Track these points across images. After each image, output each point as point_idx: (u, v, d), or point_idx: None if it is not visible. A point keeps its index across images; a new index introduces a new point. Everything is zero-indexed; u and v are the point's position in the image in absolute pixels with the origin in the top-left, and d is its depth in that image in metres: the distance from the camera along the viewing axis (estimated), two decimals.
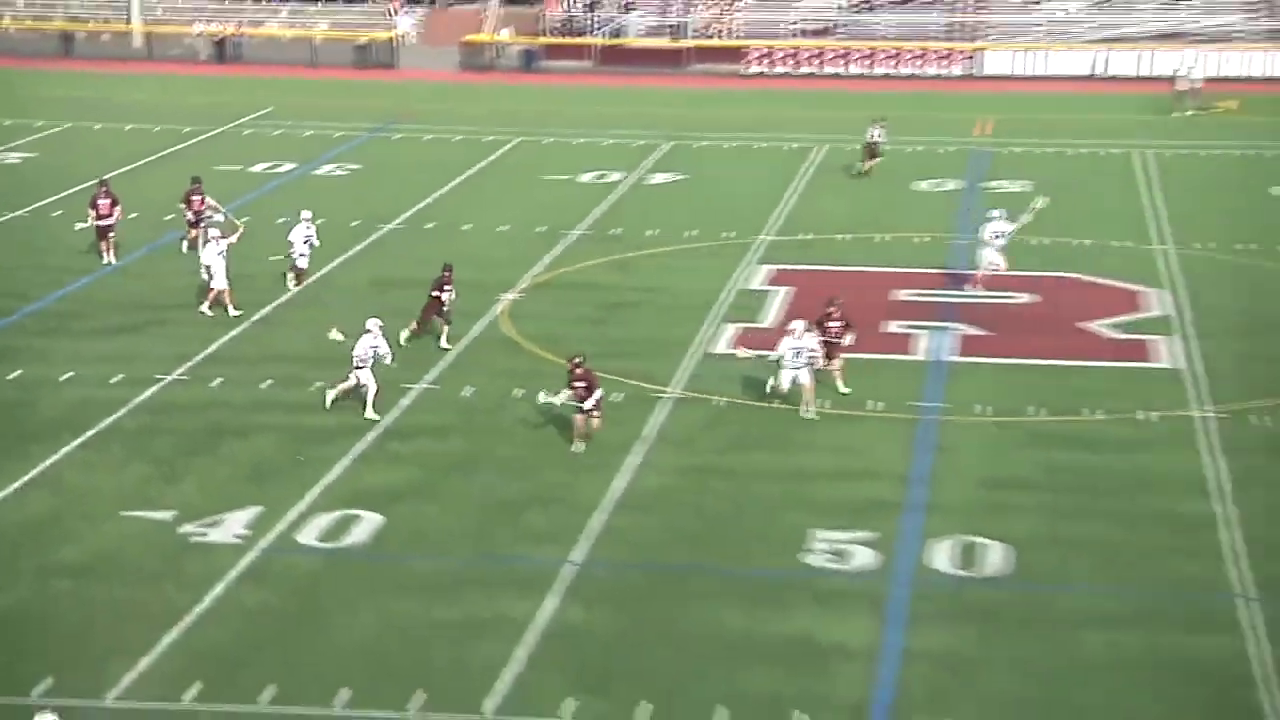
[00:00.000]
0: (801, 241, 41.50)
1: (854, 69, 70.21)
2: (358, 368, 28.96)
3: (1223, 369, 31.37)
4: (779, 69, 70.66)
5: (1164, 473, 26.67)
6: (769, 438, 28.29)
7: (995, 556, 23.69)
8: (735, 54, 71.19)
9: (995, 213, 37.04)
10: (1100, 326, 34.32)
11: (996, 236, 36.31)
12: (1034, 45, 70.36)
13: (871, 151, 48.67)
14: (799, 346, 28.79)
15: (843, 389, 29.93)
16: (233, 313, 34.67)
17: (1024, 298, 36.23)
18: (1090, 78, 68.32)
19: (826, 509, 25.25)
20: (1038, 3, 72.86)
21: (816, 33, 72.60)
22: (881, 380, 30.68)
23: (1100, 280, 37.81)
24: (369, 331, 29.13)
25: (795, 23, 73.08)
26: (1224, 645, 21.14)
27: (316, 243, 36.96)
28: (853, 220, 43.52)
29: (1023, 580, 23.05)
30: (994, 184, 47.91)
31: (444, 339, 32.63)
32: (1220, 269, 38.62)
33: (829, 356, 29.73)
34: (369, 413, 28.80)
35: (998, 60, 69.83)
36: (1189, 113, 58.86)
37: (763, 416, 29.15)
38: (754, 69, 70.75)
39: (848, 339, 30.04)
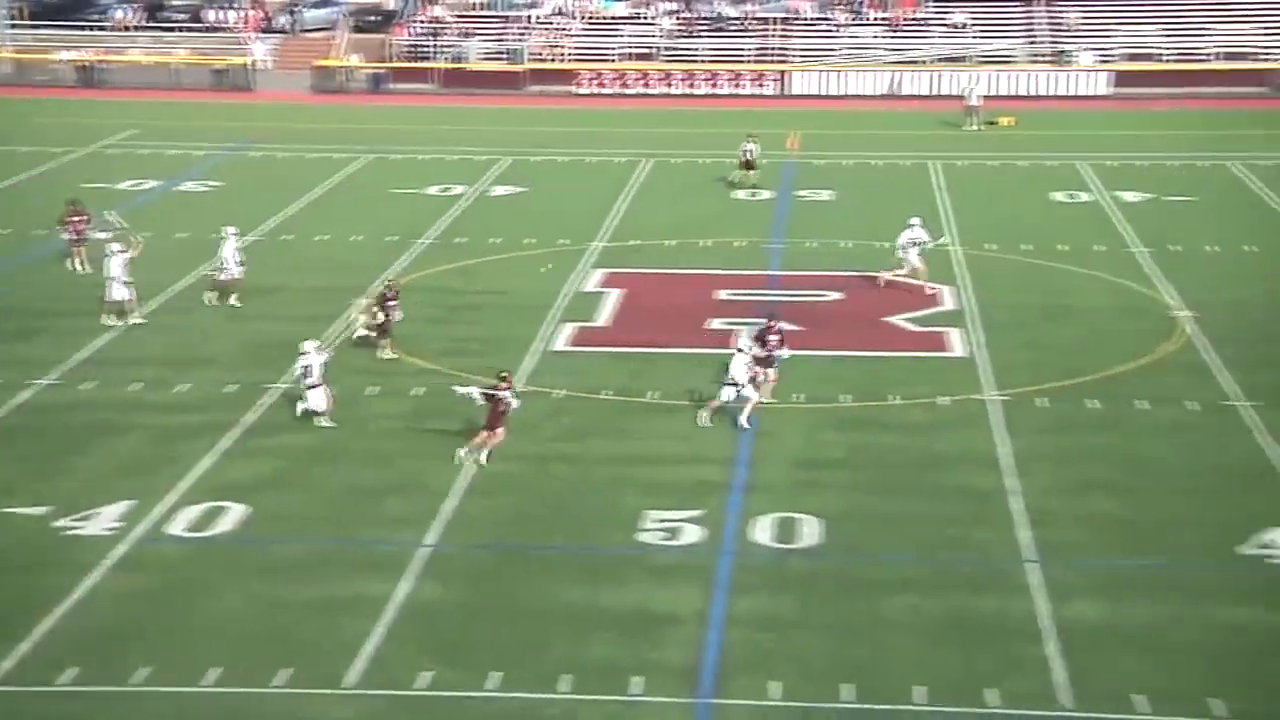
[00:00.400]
0: (631, 247, 41.63)
1: (676, 89, 70.58)
2: (310, 387, 28.14)
3: (1008, 357, 32.03)
4: (608, 89, 70.78)
5: (959, 451, 27.18)
6: (605, 427, 28.36)
7: (810, 530, 23.98)
8: (568, 76, 71.18)
9: (914, 220, 37.22)
10: (901, 320, 34.85)
11: (913, 244, 36.46)
12: (836, 67, 71.25)
13: (747, 164, 48.93)
14: (746, 362, 27.96)
15: (768, 398, 28.82)
16: (134, 320, 33.94)
17: (833, 295, 36.67)
18: (888, 96, 69.34)
19: (659, 491, 25.38)
20: (838, 29, 73.78)
21: (642, 56, 72.85)
22: (706, 373, 30.89)
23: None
24: (305, 353, 28.35)
25: (622, 47, 73.27)
26: (1013, 604, 21.61)
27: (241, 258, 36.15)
28: (678, 227, 43.74)
29: (835, 551, 23.37)
30: (803, 193, 48.44)
31: (388, 350, 31.95)
32: (1004, 267, 39.42)
33: (766, 367, 29.13)
34: (326, 421, 28.15)
35: (804, 81, 70.61)
36: (976, 128, 59.99)
37: (599, 408, 29.22)
38: (585, 89, 70.80)
39: (785, 353, 29.58)
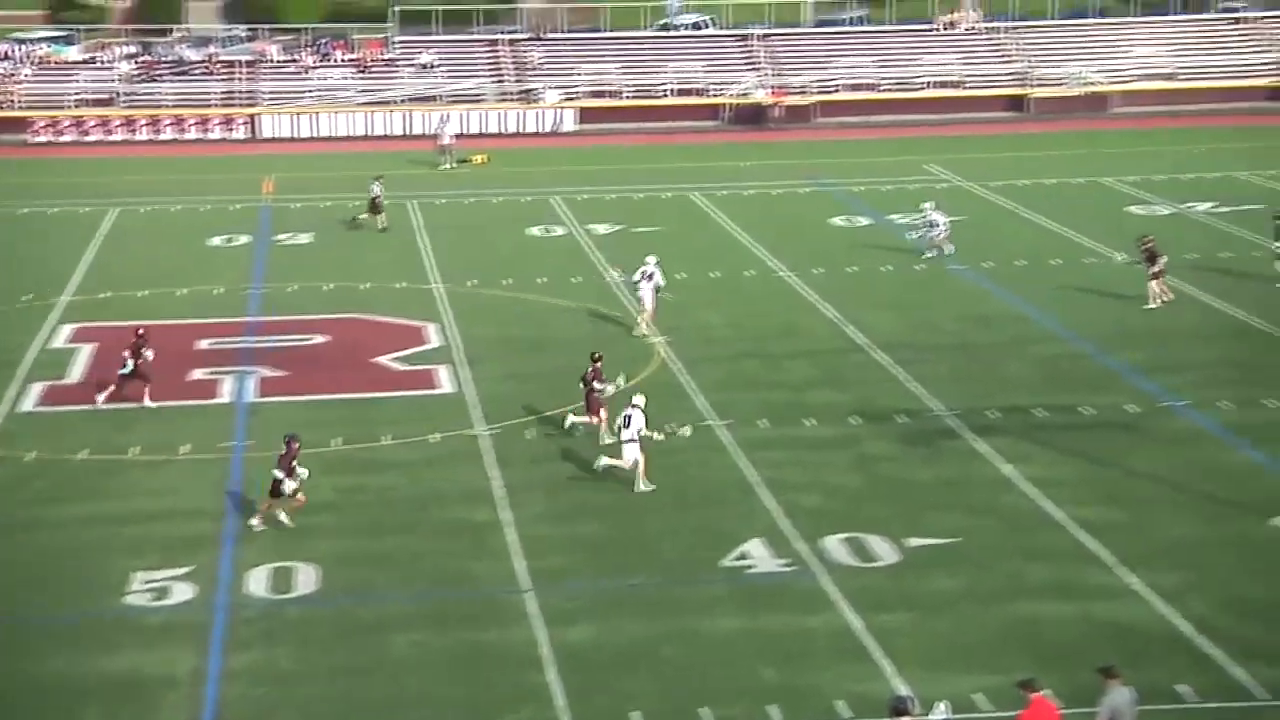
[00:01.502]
0: (101, 300, 39.93)
1: (141, 135, 68.29)
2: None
3: (496, 391, 32.52)
4: (66, 137, 67.76)
5: (452, 486, 27.36)
6: (84, 488, 27.06)
7: (306, 577, 23.60)
8: (21, 124, 67.69)
9: (650, 259, 37.02)
10: (389, 360, 34.84)
11: (646, 279, 36.16)
12: (307, 109, 70.69)
13: (374, 206, 47.92)
14: (629, 415, 26.77)
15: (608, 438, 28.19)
16: None
17: (317, 339, 36.28)
18: (363, 137, 69.33)
19: (146, 550, 24.41)
20: (306, 72, 73.26)
21: (100, 102, 70.07)
22: (191, 424, 29.96)
23: (385, 319, 38.39)
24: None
25: (79, 94, 70.26)
26: (514, 634, 21.89)
27: None
28: (151, 277, 42.29)
29: (333, 596, 23.07)
30: (282, 236, 47.79)
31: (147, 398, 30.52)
32: (487, 302, 40.06)
33: (592, 408, 28.49)
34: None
35: (276, 124, 69.72)
36: (450, 166, 60.74)
37: (76, 469, 27.85)
38: (41, 138, 67.52)
39: (609, 389, 28.95)
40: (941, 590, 22.97)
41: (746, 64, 75.87)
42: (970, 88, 74.73)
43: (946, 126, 70.46)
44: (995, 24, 78.69)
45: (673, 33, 78.71)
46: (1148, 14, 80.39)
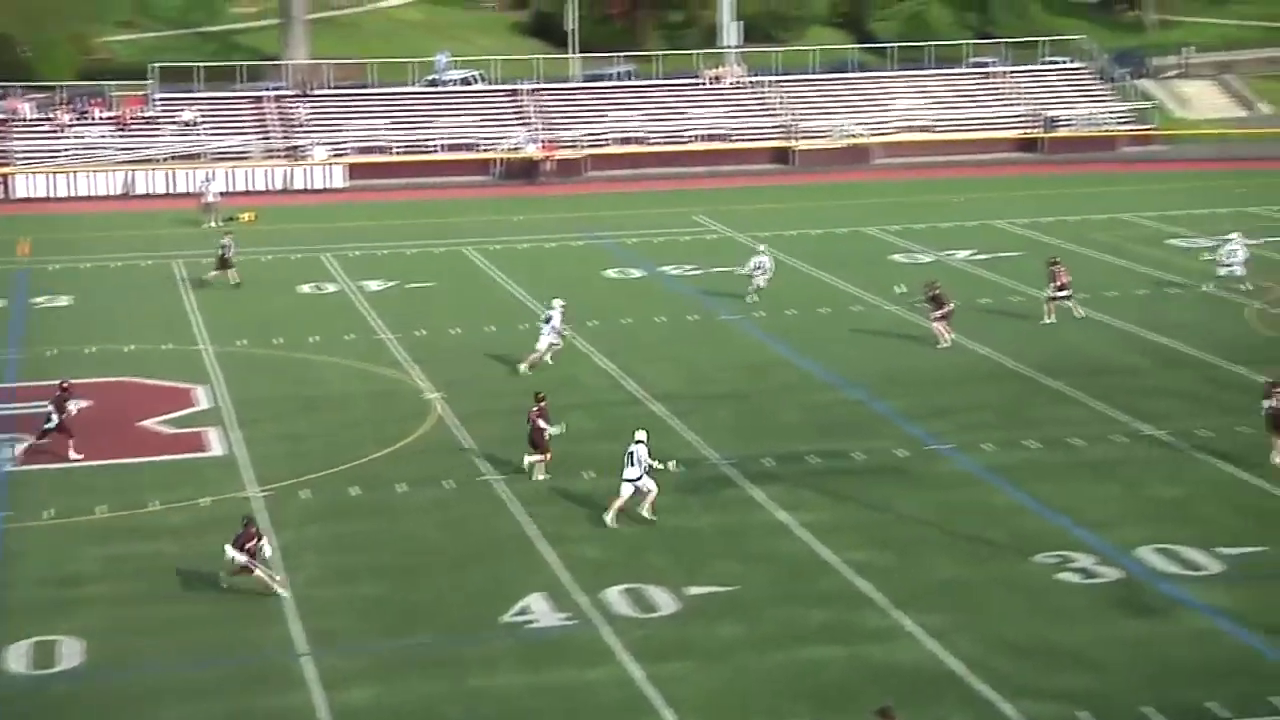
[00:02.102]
0: None
1: None
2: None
3: (268, 452, 31.97)
4: None
5: (215, 551, 26.75)
6: None
7: (71, 651, 22.84)
8: None
9: (556, 302, 38.43)
10: (157, 424, 34.01)
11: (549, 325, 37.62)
12: (63, 169, 68.90)
13: (224, 262, 47.43)
14: (633, 452, 27.53)
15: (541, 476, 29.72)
16: None
17: (80, 404, 35.23)
18: (124, 196, 67.78)
19: None
20: (62, 130, 71.40)
21: None
22: None
23: (152, 381, 37.51)
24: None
25: None
26: (292, 699, 21.48)
27: None
28: None
29: (99, 670, 22.36)
30: (39, 300, 46.41)
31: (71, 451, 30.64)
32: (258, 362, 39.42)
33: (540, 447, 29.62)
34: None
35: (30, 184, 67.81)
36: (215, 224, 59.72)
37: None
38: None
39: (554, 430, 29.80)
40: (721, 638, 23.20)
41: (517, 119, 76.23)
42: (737, 141, 76.20)
43: (715, 179, 71.68)
44: (759, 78, 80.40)
45: (441, 89, 78.74)
46: (905, 68, 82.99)
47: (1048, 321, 41.43)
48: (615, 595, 24.67)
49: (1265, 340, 39.48)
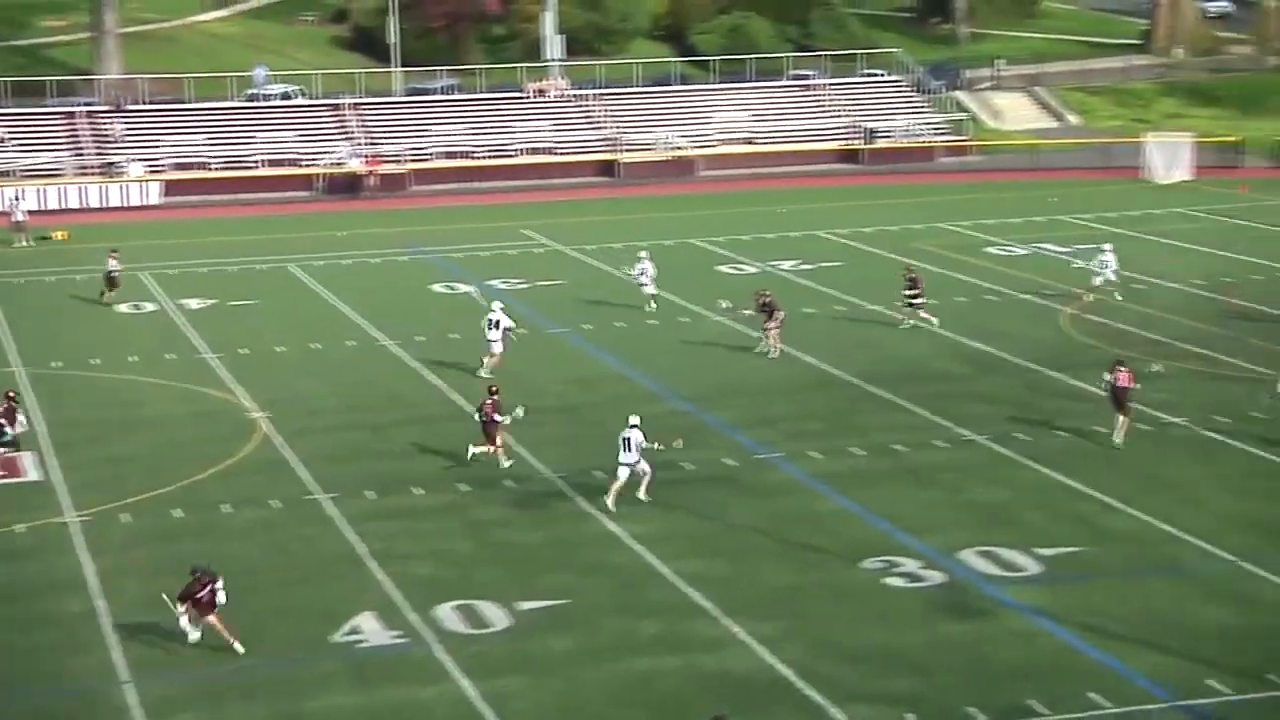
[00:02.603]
0: None
1: None
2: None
3: (86, 476, 31.26)
4: None
5: (43, 578, 26.12)
6: None
7: None
8: None
9: (496, 304, 39.24)
10: None
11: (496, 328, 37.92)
12: None
13: (111, 282, 46.80)
14: (628, 437, 28.67)
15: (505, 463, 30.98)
16: None
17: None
18: None
19: None
20: None
21: None
22: None
23: None
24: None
25: None
26: None
27: None
28: None
29: None
30: None
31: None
32: (74, 383, 38.52)
33: (490, 438, 30.71)
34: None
35: None
36: (27, 244, 58.21)
37: None
38: None
39: (507, 419, 30.91)
40: (554, 651, 23.22)
41: (339, 134, 75.53)
42: (562, 154, 76.34)
43: (541, 192, 71.74)
44: (583, 92, 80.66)
45: (261, 103, 77.70)
46: (726, 81, 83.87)
47: (907, 325, 41.91)
48: (447, 612, 24.55)
49: (1080, 346, 40.59)
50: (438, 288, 50.12)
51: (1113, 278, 45.23)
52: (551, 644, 23.44)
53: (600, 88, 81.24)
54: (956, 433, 33.37)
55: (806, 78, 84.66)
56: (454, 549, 27.34)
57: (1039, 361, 38.83)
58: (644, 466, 28.96)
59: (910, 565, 26.15)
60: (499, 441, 31.11)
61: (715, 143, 78.17)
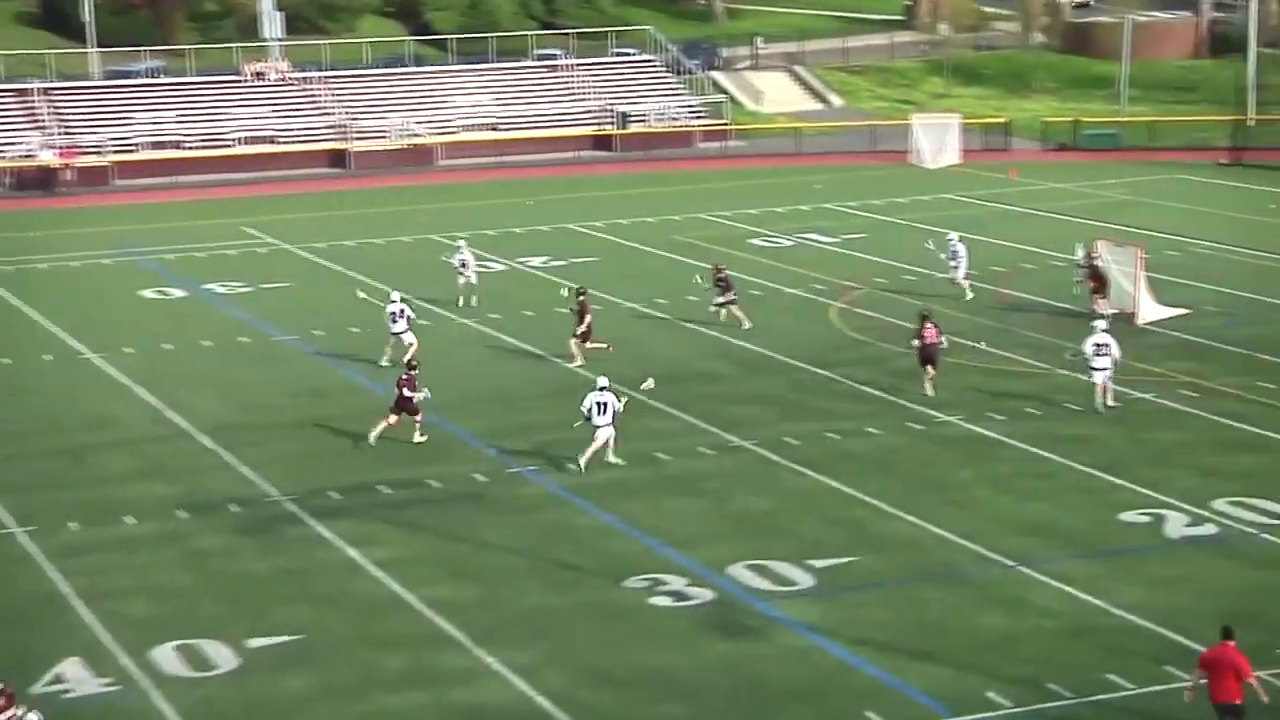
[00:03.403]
0: None
1: None
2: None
3: None
4: None
5: None
6: None
7: None
8: None
9: (395, 298, 40.07)
10: None
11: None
12: None
13: None
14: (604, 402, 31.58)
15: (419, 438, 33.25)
16: None
17: None
18: None
19: None
20: None
21: None
22: None
23: None
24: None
25: None
26: None
27: None
28: None
29: None
30: None
31: None
32: None
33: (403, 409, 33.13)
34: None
35: None
36: None
37: None
38: None
39: (419, 396, 33.26)
40: (290, 692, 22.91)
41: (29, 123, 73.35)
42: (286, 143, 75.36)
43: (263, 185, 70.74)
44: (308, 74, 79.75)
45: None
46: (466, 62, 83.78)
47: (747, 326, 42.14)
48: (166, 654, 24.04)
49: (851, 341, 41.53)
50: (148, 293, 49.04)
51: (963, 270, 45.26)
52: (286, 684, 23.12)
53: (326, 70, 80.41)
54: (723, 438, 33.84)
55: (553, 58, 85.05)
56: (172, 583, 26.78)
57: (808, 360, 39.61)
58: (610, 430, 31.74)
59: (676, 582, 26.43)
60: (418, 419, 33.54)
61: (456, 129, 78.01)
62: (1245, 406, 34.94)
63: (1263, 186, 64.30)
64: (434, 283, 49.01)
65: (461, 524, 29.26)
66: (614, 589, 26.35)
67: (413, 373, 33.79)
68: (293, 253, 55.10)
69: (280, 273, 51.55)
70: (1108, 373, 34.62)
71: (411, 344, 38.58)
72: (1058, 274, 46.06)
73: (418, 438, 33.54)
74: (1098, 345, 34.50)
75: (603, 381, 32.07)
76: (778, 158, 75.56)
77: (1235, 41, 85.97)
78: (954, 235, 46.45)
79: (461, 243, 47.40)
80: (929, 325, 35.85)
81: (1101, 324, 35.57)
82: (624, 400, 32.08)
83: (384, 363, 38.97)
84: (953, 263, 45.37)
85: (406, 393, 33.29)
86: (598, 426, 31.63)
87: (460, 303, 45.47)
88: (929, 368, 35.76)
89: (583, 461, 31.58)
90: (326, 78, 79.74)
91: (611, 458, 31.87)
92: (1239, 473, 31.04)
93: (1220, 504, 29.26)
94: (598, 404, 31.65)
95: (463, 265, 46.10)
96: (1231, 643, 20.21)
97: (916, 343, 36.11)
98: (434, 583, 26.61)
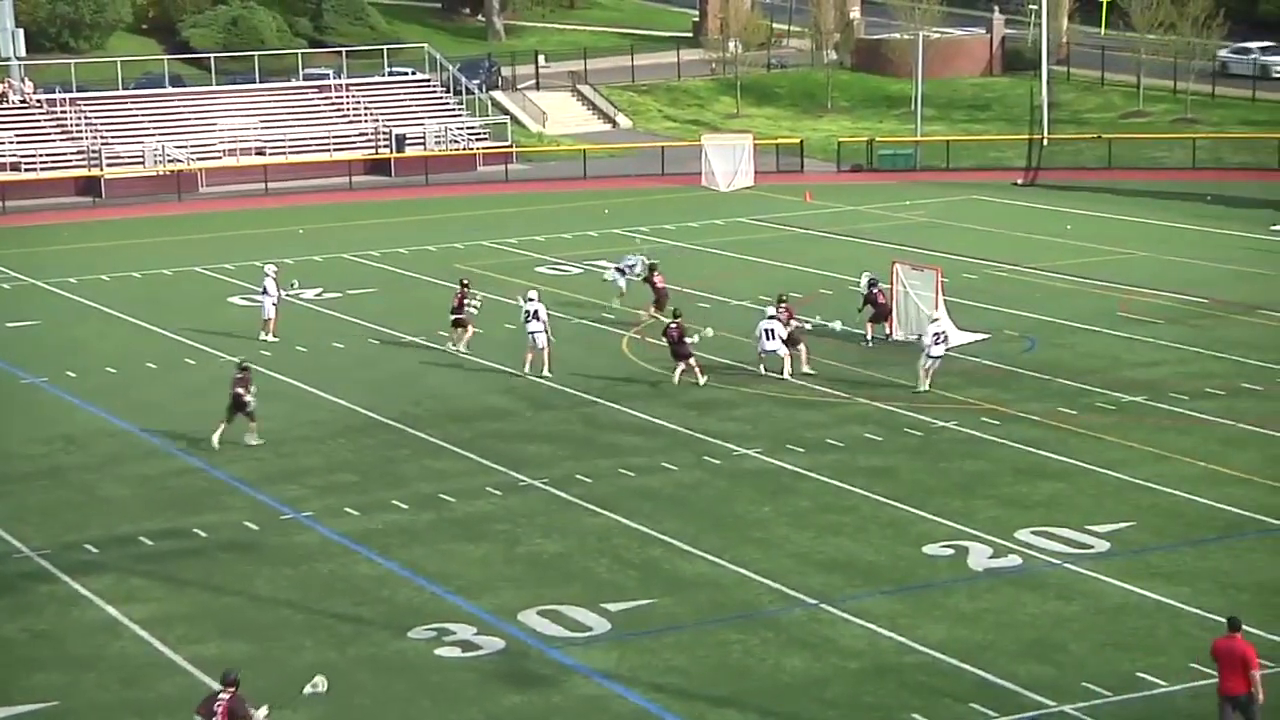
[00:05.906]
0: None
1: None
2: None
3: None
4: None
5: None
6: None
7: None
8: None
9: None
10: None
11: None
12: None
13: None
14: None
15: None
16: None
17: None
18: None
19: None
20: None
21: None
22: None
23: None
24: None
25: None
26: None
27: None
28: None
29: None
30: None
31: None
32: None
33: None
34: None
35: None
36: None
37: None
38: None
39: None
40: None
41: None
42: (29, 170, 73.75)
43: (6, 216, 69.11)
44: (53, 95, 78.17)
45: None
46: (228, 82, 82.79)
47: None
48: None
49: (642, 371, 41.76)
50: None
51: (624, 286, 47.52)
52: None
53: (75, 91, 78.86)
54: (511, 477, 33.80)
55: (323, 77, 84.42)
56: None
57: (599, 393, 39.75)
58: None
59: (464, 632, 26.32)
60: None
61: (219, 154, 76.96)
62: (1046, 433, 35.86)
63: (1058, 206, 66.08)
64: (199, 319, 48.30)
65: (231, 576, 28.82)
66: (398, 640, 26.16)
67: (246, 373, 36.01)
68: (40, 288, 53.89)
69: (26, 311, 50.37)
70: (939, 362, 38.69)
71: (543, 347, 41.02)
72: (854, 299, 46.82)
73: (252, 442, 35.76)
74: (936, 335, 38.95)
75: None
76: (564, 182, 75.80)
77: (1027, 59, 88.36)
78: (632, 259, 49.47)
79: (270, 268, 46.85)
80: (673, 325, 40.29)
81: (938, 313, 40.28)
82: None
83: (517, 370, 40.92)
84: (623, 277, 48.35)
85: (240, 391, 35.71)
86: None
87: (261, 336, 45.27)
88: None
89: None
90: (75, 99, 78.18)
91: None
92: (1040, 501, 31.83)
93: (1023, 534, 29.96)
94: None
95: (265, 293, 45.78)
96: (1239, 634, 20.96)
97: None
98: (201, 640, 26.16)
